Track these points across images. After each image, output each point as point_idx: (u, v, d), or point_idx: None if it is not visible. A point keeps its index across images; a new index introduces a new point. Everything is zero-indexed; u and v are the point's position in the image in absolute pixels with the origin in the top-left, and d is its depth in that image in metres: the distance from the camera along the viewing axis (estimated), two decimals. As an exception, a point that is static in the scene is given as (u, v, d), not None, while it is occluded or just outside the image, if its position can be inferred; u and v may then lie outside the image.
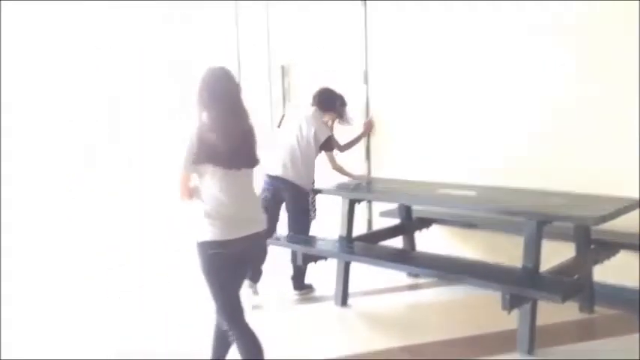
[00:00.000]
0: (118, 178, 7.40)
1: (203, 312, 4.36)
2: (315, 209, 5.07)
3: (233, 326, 2.73)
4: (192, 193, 2.69)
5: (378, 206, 5.07)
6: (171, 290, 4.83)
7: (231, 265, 2.65)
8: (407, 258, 4.14)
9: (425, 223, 4.76)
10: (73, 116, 7.40)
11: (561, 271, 3.48)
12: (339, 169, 4.59)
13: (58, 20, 7.42)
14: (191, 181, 2.69)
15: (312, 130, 4.37)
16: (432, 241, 4.78)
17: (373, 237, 4.65)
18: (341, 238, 4.33)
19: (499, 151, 4.43)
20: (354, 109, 4.93)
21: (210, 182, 2.62)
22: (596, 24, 3.83)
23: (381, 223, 5.00)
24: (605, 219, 3.23)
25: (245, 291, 4.36)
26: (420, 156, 4.93)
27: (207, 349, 2.98)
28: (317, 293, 4.53)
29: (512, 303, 3.17)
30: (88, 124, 7.46)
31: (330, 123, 4.61)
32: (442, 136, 4.79)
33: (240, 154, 2.65)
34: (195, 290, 4.74)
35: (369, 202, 5.18)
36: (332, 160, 4.52)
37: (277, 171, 4.38)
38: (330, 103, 4.56)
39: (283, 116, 4.66)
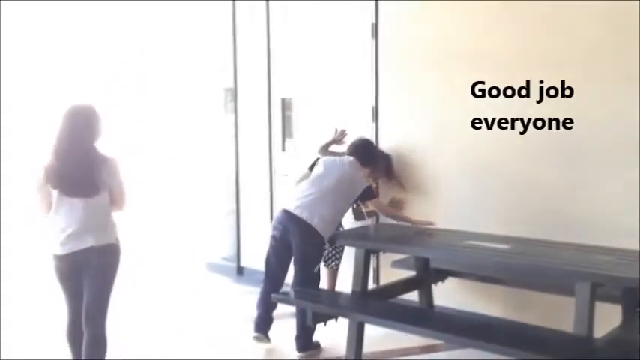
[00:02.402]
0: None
1: (201, 311, 4.42)
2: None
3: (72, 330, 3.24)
4: (50, 208, 3.14)
5: (389, 254, 4.59)
6: (170, 289, 4.97)
7: (67, 274, 3.18)
8: (434, 320, 3.61)
9: (442, 275, 4.32)
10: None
11: (616, 340, 3.07)
12: (395, 216, 4.22)
13: (58, 20, 7.37)
14: (47, 198, 3.12)
15: (349, 177, 4.00)
16: (445, 294, 4.34)
17: (387, 291, 4.19)
18: (354, 293, 3.85)
19: (525, 198, 4.06)
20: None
21: (54, 202, 3.12)
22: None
23: (389, 274, 4.55)
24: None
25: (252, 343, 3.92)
26: (438, 203, 4.51)
27: (203, 347, 3.09)
28: (324, 355, 4.02)
29: (569, 380, 2.75)
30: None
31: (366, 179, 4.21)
32: (462, 183, 4.39)
33: (76, 185, 3.08)
34: (193, 289, 4.70)
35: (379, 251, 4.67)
36: (380, 208, 4.26)
37: (296, 210, 3.90)
38: (370, 157, 4.23)
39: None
